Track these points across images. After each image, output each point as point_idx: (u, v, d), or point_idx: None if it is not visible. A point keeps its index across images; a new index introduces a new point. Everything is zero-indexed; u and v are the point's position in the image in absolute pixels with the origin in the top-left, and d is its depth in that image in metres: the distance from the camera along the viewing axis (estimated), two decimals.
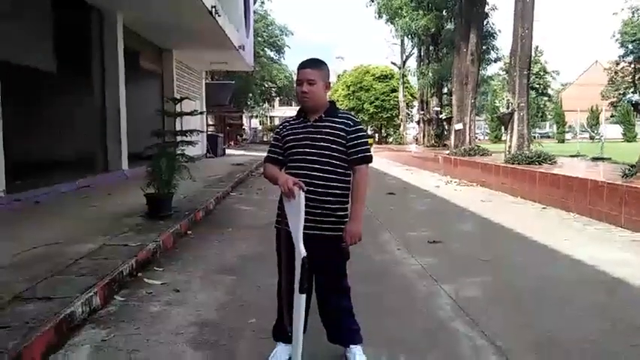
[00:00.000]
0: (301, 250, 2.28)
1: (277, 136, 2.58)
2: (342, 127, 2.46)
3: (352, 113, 2.88)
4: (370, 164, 2.54)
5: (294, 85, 2.56)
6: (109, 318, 3.31)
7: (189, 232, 6.05)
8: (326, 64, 2.55)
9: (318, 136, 2.44)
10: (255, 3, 29.27)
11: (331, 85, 2.61)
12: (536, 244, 5.61)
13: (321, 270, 2.48)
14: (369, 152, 2.52)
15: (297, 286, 2.31)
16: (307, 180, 2.37)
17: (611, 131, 29.77)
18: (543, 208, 8.09)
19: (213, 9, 11.02)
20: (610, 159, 11.72)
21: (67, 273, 3.79)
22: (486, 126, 43.65)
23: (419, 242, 5.62)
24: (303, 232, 2.33)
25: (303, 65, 2.49)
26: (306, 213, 2.33)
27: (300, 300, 2.33)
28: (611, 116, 38.92)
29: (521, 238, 5.96)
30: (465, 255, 5.08)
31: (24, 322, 2.82)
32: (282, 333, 2.58)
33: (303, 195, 2.28)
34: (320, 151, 2.42)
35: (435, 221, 7.12)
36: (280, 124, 2.64)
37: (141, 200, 6.26)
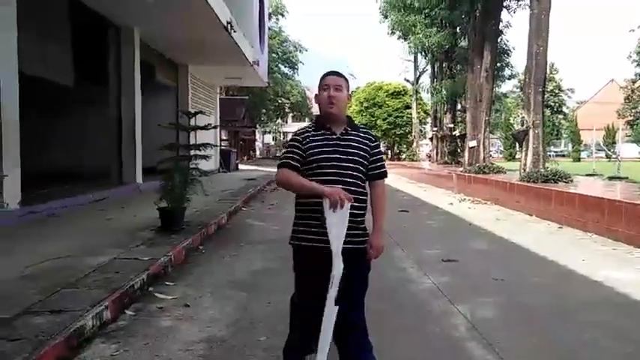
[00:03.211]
0: (340, 263, 2.25)
1: (297, 144, 2.47)
2: (367, 142, 2.47)
3: (369, 128, 2.88)
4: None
5: (315, 96, 2.53)
6: (119, 332, 3.29)
7: (200, 246, 6.04)
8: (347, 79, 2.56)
9: (348, 149, 2.42)
10: (269, 19, 29.64)
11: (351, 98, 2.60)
12: (553, 264, 5.50)
13: (345, 283, 2.43)
14: (385, 168, 2.57)
15: (331, 298, 2.26)
16: None
17: (628, 150, 29.40)
18: (559, 227, 7.95)
19: (229, 25, 11.16)
20: (627, 178, 11.54)
21: (79, 286, 3.79)
22: (500, 143, 43.41)
23: (432, 260, 5.54)
24: (329, 246, 2.30)
25: (329, 73, 2.50)
26: None
27: (332, 312, 2.28)
28: (627, 135, 38.48)
29: (537, 257, 5.85)
30: (480, 274, 4.99)
31: (34, 335, 2.81)
32: (293, 352, 2.53)
33: (348, 206, 2.26)
34: (349, 165, 2.40)
35: (448, 239, 7.03)
36: (300, 133, 2.52)
37: (154, 214, 6.28)
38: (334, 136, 2.44)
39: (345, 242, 2.36)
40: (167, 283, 4.45)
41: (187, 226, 6.42)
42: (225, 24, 10.90)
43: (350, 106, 40.15)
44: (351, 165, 2.40)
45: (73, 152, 9.22)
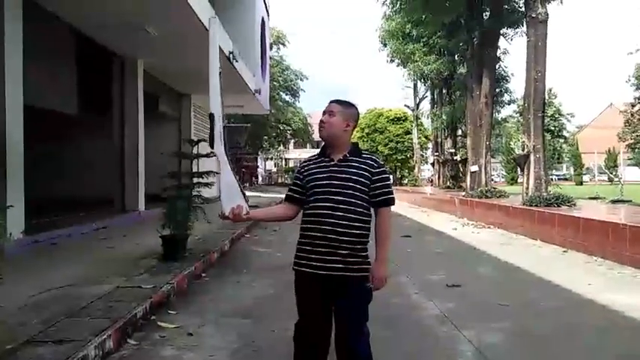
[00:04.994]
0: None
1: (299, 175, 2.58)
2: (367, 167, 2.44)
3: (376, 155, 2.88)
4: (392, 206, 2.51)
5: (312, 125, 2.60)
6: None
7: (203, 274, 6.01)
8: (354, 107, 2.57)
9: (343, 175, 2.42)
10: (271, 49, 30.11)
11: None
12: (559, 288, 5.45)
13: (343, 312, 2.42)
14: (392, 195, 2.49)
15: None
16: (331, 220, 2.37)
17: (630, 173, 29.39)
18: (564, 251, 7.90)
19: (231, 54, 11.34)
20: (630, 201, 11.50)
21: (81, 315, 3.76)
22: (502, 168, 43.49)
23: (437, 286, 5.50)
24: (328, 274, 2.35)
25: (330, 101, 2.55)
26: (330, 254, 2.35)
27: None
28: (628, 158, 38.56)
29: (543, 282, 5.80)
30: (485, 299, 4.94)
31: None
32: None
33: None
34: (344, 191, 2.39)
35: (452, 264, 6.99)
36: (302, 163, 2.63)
37: (156, 241, 6.27)
38: (331, 162, 2.47)
39: (342, 270, 2.37)
40: (170, 311, 4.41)
41: (190, 254, 6.41)
42: (228, 54, 11.09)
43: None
44: (344, 191, 2.39)
45: (76, 181, 9.28)
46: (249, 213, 2.53)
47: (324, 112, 2.52)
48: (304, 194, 2.52)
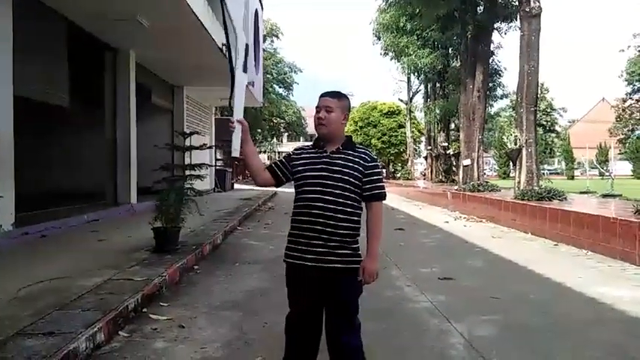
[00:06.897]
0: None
1: (286, 160, 2.59)
2: (360, 161, 2.44)
3: (369, 149, 2.87)
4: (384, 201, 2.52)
5: (306, 118, 2.59)
6: (112, 354, 3.24)
7: (195, 266, 6.00)
8: (347, 97, 2.55)
9: (335, 167, 2.41)
10: (264, 41, 29.98)
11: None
12: (549, 281, 5.50)
13: (334, 304, 2.42)
14: (384, 189, 2.49)
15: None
16: (321, 212, 2.36)
17: (621, 168, 29.65)
18: (555, 244, 7.96)
19: (224, 47, 11.26)
20: (620, 195, 11.61)
21: (72, 308, 3.74)
22: (494, 162, 43.72)
23: (429, 279, 5.52)
24: (318, 266, 2.35)
25: (323, 94, 2.53)
26: (321, 245, 2.35)
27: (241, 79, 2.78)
28: (619, 153, 38.85)
29: (534, 275, 5.84)
30: (477, 292, 4.97)
31: (27, 357, 2.77)
32: None
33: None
34: (336, 183, 2.39)
35: (445, 258, 7.02)
36: (295, 150, 2.62)
37: (149, 234, 6.25)
38: (324, 154, 2.47)
39: (333, 262, 2.37)
40: (162, 303, 4.40)
41: (182, 246, 6.39)
42: (221, 46, 11.01)
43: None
44: (336, 183, 2.39)
45: (67, 173, 9.18)
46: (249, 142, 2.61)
47: (320, 108, 2.48)
48: (284, 175, 2.56)
